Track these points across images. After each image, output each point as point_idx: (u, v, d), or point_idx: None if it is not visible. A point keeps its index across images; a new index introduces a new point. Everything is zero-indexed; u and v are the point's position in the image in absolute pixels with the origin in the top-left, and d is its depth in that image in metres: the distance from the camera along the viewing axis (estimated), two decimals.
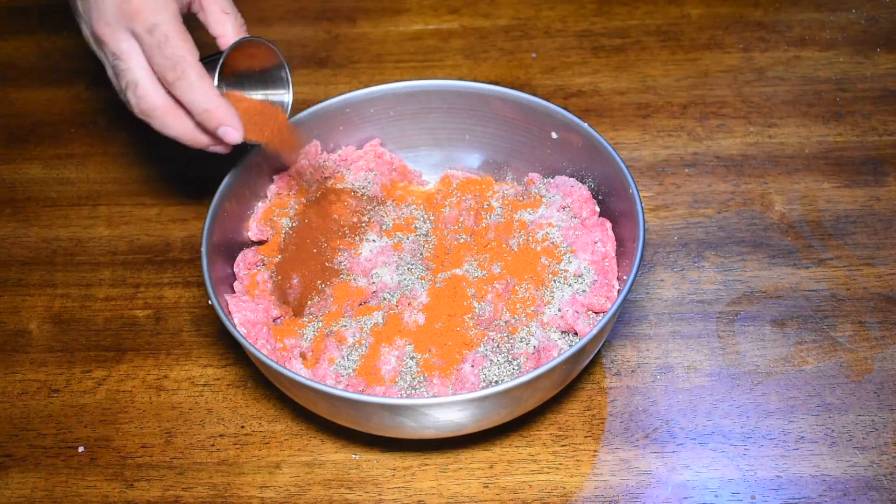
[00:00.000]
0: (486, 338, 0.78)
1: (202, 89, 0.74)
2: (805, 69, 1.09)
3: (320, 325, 0.82)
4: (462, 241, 0.87)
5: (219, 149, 0.80)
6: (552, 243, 0.83)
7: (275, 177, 0.89)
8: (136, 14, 0.73)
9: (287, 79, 0.84)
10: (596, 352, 0.81)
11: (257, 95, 0.85)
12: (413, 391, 0.77)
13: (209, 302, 0.77)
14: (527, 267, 0.83)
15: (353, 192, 0.88)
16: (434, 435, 0.76)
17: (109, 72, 0.78)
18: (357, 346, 0.80)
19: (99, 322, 0.91)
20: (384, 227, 0.88)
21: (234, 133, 0.77)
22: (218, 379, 0.86)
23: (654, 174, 1.00)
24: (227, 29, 0.80)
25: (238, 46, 0.80)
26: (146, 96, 0.75)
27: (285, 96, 0.84)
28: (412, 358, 0.78)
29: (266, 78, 0.84)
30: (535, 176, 0.90)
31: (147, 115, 0.76)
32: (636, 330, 0.88)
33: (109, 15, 0.74)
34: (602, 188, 0.87)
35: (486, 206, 0.89)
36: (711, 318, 0.88)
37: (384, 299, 0.83)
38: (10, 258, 0.96)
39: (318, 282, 0.84)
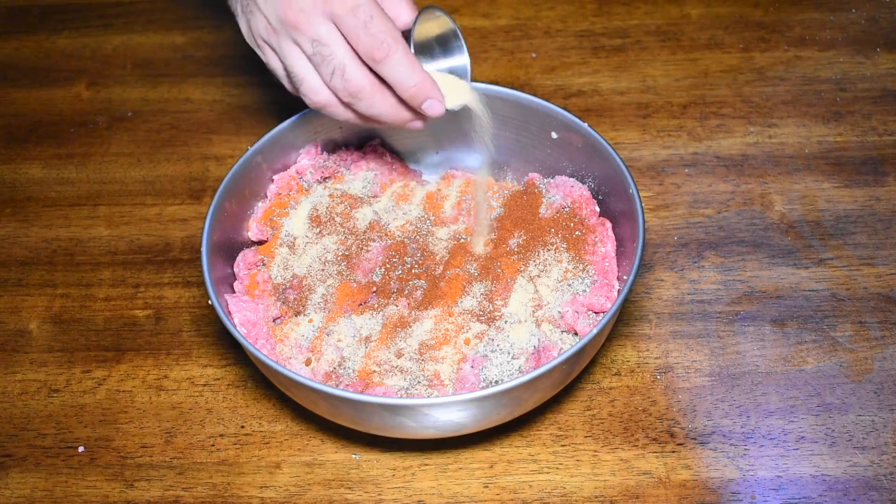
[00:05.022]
0: (485, 337, 0.78)
1: (410, 65, 0.74)
2: (805, 69, 1.09)
3: (320, 325, 0.82)
4: (462, 241, 0.87)
5: (417, 124, 0.80)
6: (552, 243, 0.83)
7: (275, 177, 0.89)
8: None
9: (462, 44, 0.83)
10: (596, 352, 0.81)
11: (438, 63, 0.84)
12: (413, 391, 0.77)
13: (209, 302, 0.77)
14: (527, 266, 0.83)
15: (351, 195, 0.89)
16: (434, 435, 0.76)
17: (298, 62, 0.76)
18: (357, 345, 0.80)
19: (99, 322, 0.91)
20: (384, 226, 0.87)
21: (438, 106, 0.77)
22: (218, 379, 0.86)
23: (654, 174, 1.00)
24: (401, 10, 0.80)
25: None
26: (354, 77, 0.75)
27: (463, 60, 0.84)
28: (412, 358, 0.78)
29: (440, 46, 0.84)
30: (535, 176, 0.90)
31: (354, 97, 0.76)
32: (636, 330, 0.88)
33: (305, 1, 0.73)
34: (602, 188, 0.87)
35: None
36: (711, 318, 0.88)
37: (384, 299, 0.83)
38: (10, 258, 0.96)
39: (319, 281, 0.84)
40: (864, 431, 0.80)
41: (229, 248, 0.85)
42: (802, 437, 0.80)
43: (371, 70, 0.75)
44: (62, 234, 0.98)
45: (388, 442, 0.81)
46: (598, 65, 1.11)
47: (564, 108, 0.87)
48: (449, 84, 0.82)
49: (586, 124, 0.86)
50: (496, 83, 0.93)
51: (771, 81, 1.08)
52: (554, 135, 0.89)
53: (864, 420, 0.81)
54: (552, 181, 0.89)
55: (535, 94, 0.89)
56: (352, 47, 0.74)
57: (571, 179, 0.88)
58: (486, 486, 0.79)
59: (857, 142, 1.02)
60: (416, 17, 0.79)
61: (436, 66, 0.84)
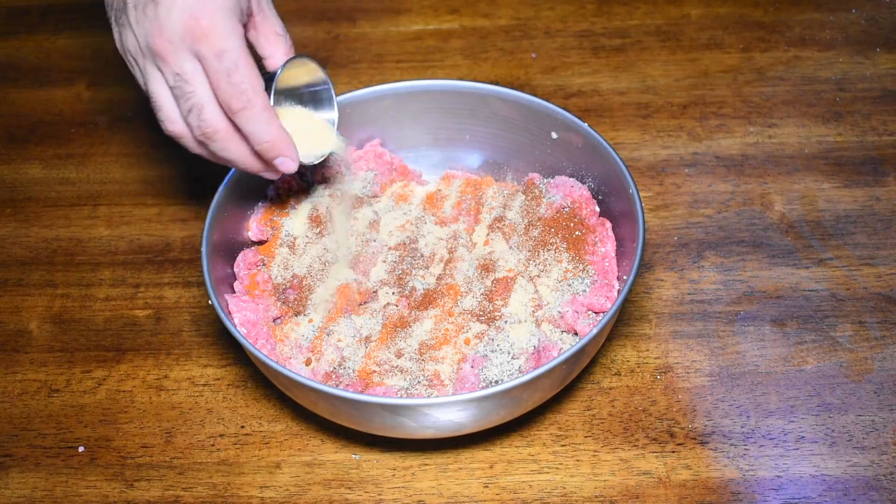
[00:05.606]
0: (485, 337, 0.79)
1: (266, 121, 0.73)
2: (805, 69, 1.09)
3: (320, 325, 0.82)
4: (462, 241, 0.87)
5: (270, 175, 0.79)
6: (552, 243, 0.83)
7: None
8: (205, 36, 0.71)
9: (332, 96, 0.83)
10: (596, 352, 0.81)
11: (307, 112, 0.84)
12: (413, 391, 0.77)
13: (209, 302, 0.77)
14: (527, 266, 0.83)
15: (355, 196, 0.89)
16: (434, 435, 0.77)
17: (159, 89, 0.74)
18: (357, 345, 0.80)
19: (99, 322, 0.91)
20: (384, 226, 0.88)
21: (290, 164, 0.76)
22: (218, 379, 0.86)
23: (654, 174, 1.00)
24: (277, 51, 0.79)
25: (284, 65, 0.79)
26: (210, 119, 0.73)
27: (330, 113, 0.83)
28: (412, 358, 0.78)
29: (309, 95, 0.83)
30: (535, 176, 0.90)
31: (208, 138, 0.74)
32: (636, 330, 0.88)
33: (174, 32, 0.71)
34: (602, 188, 0.87)
35: (486, 206, 0.89)
36: (711, 318, 0.88)
37: (384, 299, 0.83)
38: (10, 258, 0.96)
39: (319, 281, 0.84)
40: (864, 431, 0.80)
41: (229, 248, 0.85)
42: (802, 437, 0.80)
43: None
44: (62, 234, 0.98)
45: (388, 442, 0.81)
46: (598, 65, 1.11)
47: (564, 108, 0.87)
48: (314, 132, 0.82)
49: (586, 124, 0.86)
50: (496, 83, 0.93)
51: (771, 81, 1.08)
52: (554, 135, 0.89)
53: (864, 420, 0.81)
54: (552, 181, 0.89)
55: (535, 94, 0.89)
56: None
57: (571, 179, 0.88)
58: (486, 486, 0.79)
59: (856, 142, 1.02)
60: (284, 64, 0.78)
61: (304, 114, 0.83)
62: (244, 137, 0.75)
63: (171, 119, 0.75)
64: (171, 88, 0.74)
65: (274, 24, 0.79)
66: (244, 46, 0.72)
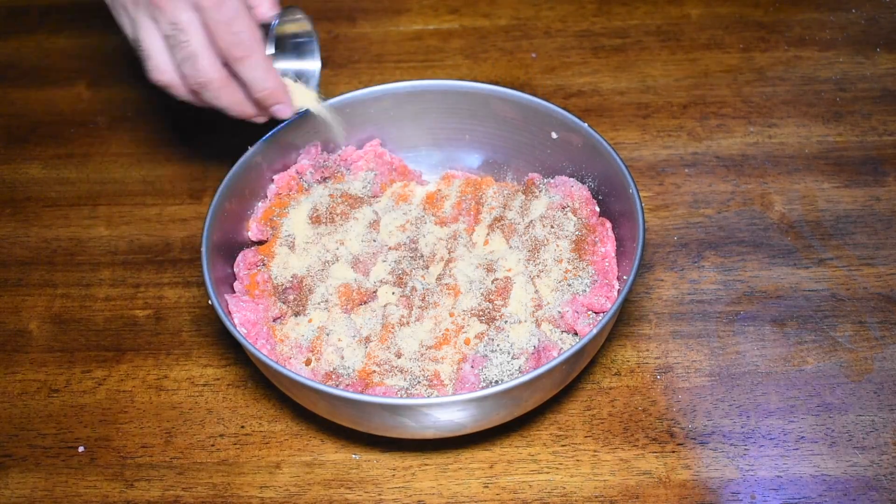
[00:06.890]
0: (485, 337, 0.78)
1: (265, 69, 0.75)
2: (805, 69, 1.09)
3: (320, 325, 0.82)
4: (462, 240, 0.87)
5: (261, 119, 0.81)
6: (554, 244, 0.83)
7: (275, 177, 0.89)
8: None
9: (316, 49, 0.85)
10: (596, 352, 0.81)
11: (290, 62, 0.85)
12: (413, 391, 0.77)
13: (209, 302, 0.77)
14: (526, 266, 0.83)
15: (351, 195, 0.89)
16: (434, 435, 0.77)
17: (151, 38, 0.76)
18: (357, 345, 0.80)
19: (99, 322, 0.91)
20: (384, 226, 0.88)
21: (286, 110, 0.79)
22: (218, 379, 0.86)
23: (654, 174, 1.00)
24: (263, 4, 0.79)
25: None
26: (205, 69, 0.75)
27: (314, 65, 0.86)
28: (412, 358, 0.78)
29: (293, 45, 0.85)
30: (535, 176, 0.90)
31: (202, 87, 0.76)
32: (636, 330, 0.88)
33: None
34: (602, 188, 0.87)
35: (486, 206, 0.89)
36: (711, 318, 0.88)
37: (384, 299, 0.83)
38: (10, 258, 0.96)
39: (319, 281, 0.84)
40: (864, 431, 0.80)
41: (229, 248, 0.85)
42: (802, 437, 0.80)
43: (224, 62, 0.76)
44: (62, 234, 0.98)
45: (388, 442, 0.81)
46: (598, 65, 1.11)
47: (564, 108, 0.87)
48: (294, 89, 0.84)
49: (586, 124, 0.86)
50: (496, 83, 0.93)
51: (771, 81, 1.08)
52: (554, 135, 0.89)
53: (864, 420, 0.81)
54: (552, 181, 0.89)
55: (535, 94, 0.89)
56: (209, 38, 0.74)
57: (571, 179, 0.88)
58: (486, 486, 0.79)
59: (857, 142, 1.02)
60: (278, 15, 0.79)
61: (287, 65, 0.85)
62: (240, 85, 0.77)
63: (161, 69, 0.77)
64: (165, 38, 0.75)
65: None
66: None
